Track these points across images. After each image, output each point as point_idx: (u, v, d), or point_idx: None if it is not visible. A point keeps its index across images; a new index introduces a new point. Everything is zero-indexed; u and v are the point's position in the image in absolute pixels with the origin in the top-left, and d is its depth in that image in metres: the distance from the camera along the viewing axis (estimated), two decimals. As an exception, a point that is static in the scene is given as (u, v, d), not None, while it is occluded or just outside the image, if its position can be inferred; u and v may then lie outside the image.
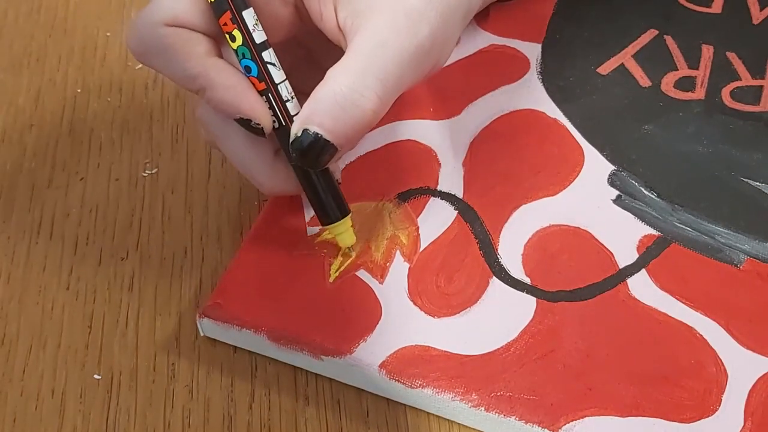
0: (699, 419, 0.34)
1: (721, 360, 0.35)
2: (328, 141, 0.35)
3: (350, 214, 0.38)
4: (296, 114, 0.36)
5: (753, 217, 0.39)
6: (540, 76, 0.45)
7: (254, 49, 0.36)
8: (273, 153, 0.39)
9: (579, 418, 0.34)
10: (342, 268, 0.39)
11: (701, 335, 0.36)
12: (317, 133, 0.35)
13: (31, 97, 0.49)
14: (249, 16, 0.36)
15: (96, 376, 0.39)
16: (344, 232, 0.38)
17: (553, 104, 0.44)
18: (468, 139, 0.42)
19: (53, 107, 0.48)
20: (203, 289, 0.41)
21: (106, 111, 0.48)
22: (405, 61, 0.35)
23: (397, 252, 0.39)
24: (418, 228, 0.40)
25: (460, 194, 0.41)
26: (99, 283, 0.41)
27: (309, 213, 0.41)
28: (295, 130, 0.35)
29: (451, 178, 0.41)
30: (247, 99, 0.36)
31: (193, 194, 0.44)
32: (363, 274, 0.39)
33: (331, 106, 0.35)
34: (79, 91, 0.49)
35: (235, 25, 0.36)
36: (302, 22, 0.38)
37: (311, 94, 0.36)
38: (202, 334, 0.39)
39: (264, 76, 0.36)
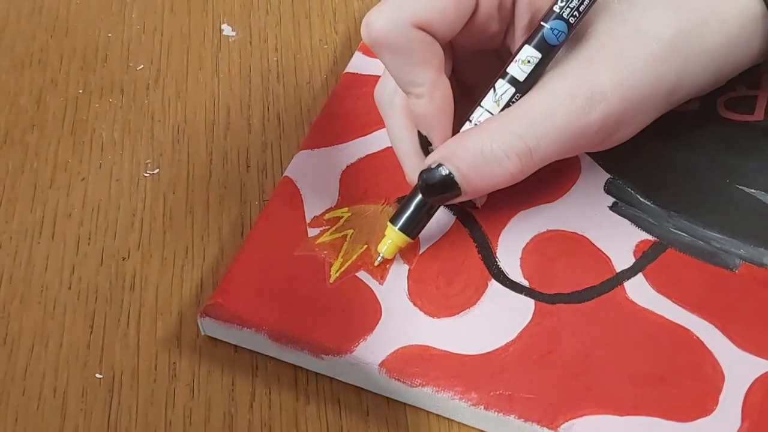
0: (696, 419, 0.34)
1: (717, 361, 0.35)
2: (457, 184, 0.35)
3: (412, 241, 0.39)
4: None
5: (748, 223, 0.39)
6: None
7: None
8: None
9: (577, 417, 0.34)
10: (342, 269, 0.39)
11: (698, 337, 0.36)
12: (450, 173, 0.35)
13: (33, 98, 0.49)
14: None
15: (97, 376, 0.39)
16: (394, 246, 0.38)
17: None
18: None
19: (55, 107, 0.49)
20: (204, 288, 0.41)
21: (107, 111, 0.48)
22: (563, 138, 0.35)
23: (397, 254, 0.39)
24: (417, 231, 0.40)
25: (458, 199, 0.41)
26: (100, 283, 0.42)
27: (310, 214, 0.41)
28: (431, 161, 0.36)
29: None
30: (443, 127, 0.37)
31: (194, 194, 0.44)
32: (363, 275, 0.39)
33: (474, 155, 0.35)
34: (80, 91, 0.49)
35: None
36: (506, 39, 0.38)
37: (459, 134, 0.36)
38: (203, 334, 0.39)
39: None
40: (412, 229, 0.38)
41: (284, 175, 0.42)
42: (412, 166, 0.39)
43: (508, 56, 0.37)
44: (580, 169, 0.42)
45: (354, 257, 0.39)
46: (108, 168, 0.46)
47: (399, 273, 0.39)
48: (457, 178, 0.35)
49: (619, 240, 0.39)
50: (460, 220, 0.40)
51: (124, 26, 0.52)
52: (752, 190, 0.41)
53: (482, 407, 0.35)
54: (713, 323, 0.37)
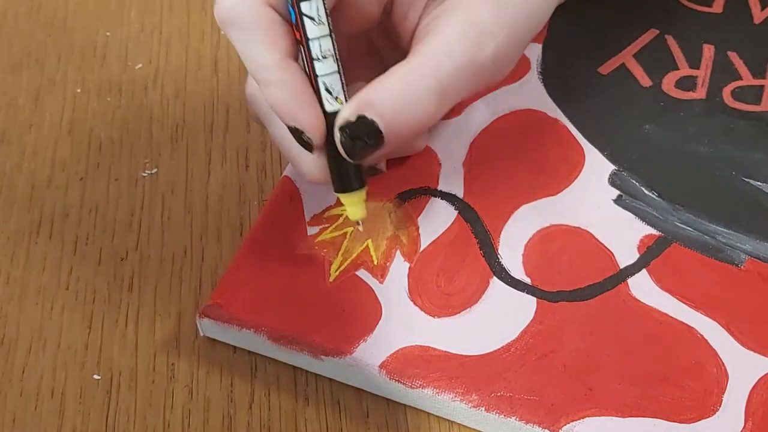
0: (699, 419, 0.34)
1: (721, 360, 0.35)
2: (381, 132, 0.34)
3: (365, 188, 0.37)
4: (321, 76, 0.35)
5: (754, 217, 0.39)
6: (540, 76, 0.45)
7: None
8: None
9: (579, 419, 0.34)
10: (342, 268, 0.39)
11: (702, 335, 0.36)
12: (374, 121, 0.34)
13: (31, 97, 0.49)
14: None
15: (95, 377, 0.38)
16: (356, 204, 0.37)
17: (553, 104, 0.43)
18: (468, 139, 0.42)
19: (53, 107, 0.48)
20: (203, 289, 0.41)
21: (105, 111, 0.48)
22: (466, 73, 0.36)
23: (398, 252, 0.39)
24: (418, 228, 0.40)
25: (460, 194, 0.41)
26: (99, 284, 0.41)
27: (309, 212, 0.41)
28: (349, 114, 0.34)
29: (451, 178, 0.41)
30: (306, 111, 0.35)
31: (192, 194, 0.44)
32: (363, 274, 0.39)
33: (394, 97, 0.34)
34: (78, 91, 0.49)
35: None
36: (381, 20, 0.38)
37: (371, 83, 0.35)
38: (202, 334, 0.39)
39: (299, 26, 0.35)
40: (357, 179, 0.37)
41: (284, 174, 0.42)
42: (308, 163, 0.37)
43: (381, 39, 0.38)
44: (584, 161, 0.41)
45: (354, 255, 0.39)
46: (106, 168, 0.45)
47: (399, 271, 0.38)
48: (380, 125, 0.34)
49: (623, 235, 0.39)
50: (462, 215, 0.40)
51: (123, 25, 0.52)
52: (758, 183, 0.40)
53: (483, 409, 0.34)
54: (718, 321, 0.36)
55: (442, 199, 0.41)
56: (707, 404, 0.34)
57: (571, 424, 0.34)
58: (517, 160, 0.41)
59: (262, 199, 0.43)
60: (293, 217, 0.41)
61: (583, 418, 0.34)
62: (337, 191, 0.37)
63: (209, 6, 0.53)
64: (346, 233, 0.40)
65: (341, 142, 0.35)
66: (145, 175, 0.45)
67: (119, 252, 0.42)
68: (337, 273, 0.39)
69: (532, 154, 0.42)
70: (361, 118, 0.34)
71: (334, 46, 0.35)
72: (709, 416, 0.34)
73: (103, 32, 0.52)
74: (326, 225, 0.40)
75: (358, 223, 0.38)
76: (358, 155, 0.35)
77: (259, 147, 0.45)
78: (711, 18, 0.47)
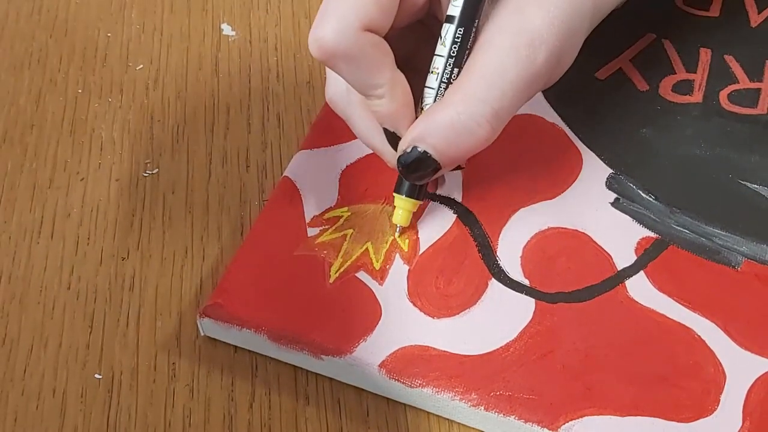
0: (697, 419, 0.34)
1: (719, 360, 0.35)
2: (434, 160, 0.36)
3: (420, 201, 0.39)
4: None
5: (751, 219, 0.39)
6: (539, 80, 0.45)
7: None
8: None
9: (578, 418, 0.34)
10: (342, 270, 0.39)
11: (699, 336, 0.36)
12: (426, 152, 0.36)
13: (32, 98, 0.49)
14: None
15: (97, 376, 0.39)
16: (404, 209, 0.39)
17: (551, 109, 0.44)
18: (467, 142, 0.43)
19: (54, 107, 0.48)
20: (204, 288, 0.41)
21: (106, 111, 0.48)
22: (521, 88, 0.36)
23: (397, 254, 0.39)
24: (417, 231, 0.40)
25: (459, 198, 0.41)
26: (100, 283, 0.41)
27: (309, 214, 0.41)
28: (405, 145, 0.36)
29: (450, 182, 0.41)
30: (409, 120, 0.37)
31: (193, 194, 0.44)
32: (363, 276, 0.39)
33: (445, 130, 0.36)
34: (80, 91, 0.49)
35: None
36: (431, 8, 0.39)
37: (426, 112, 0.37)
38: (202, 334, 0.39)
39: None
40: (417, 191, 0.39)
41: (284, 175, 0.42)
42: (391, 154, 0.38)
43: (435, 24, 0.37)
44: (581, 165, 0.42)
45: (354, 257, 0.39)
46: (107, 168, 0.46)
47: (399, 273, 0.39)
48: (434, 155, 0.36)
49: (620, 237, 0.39)
50: (461, 219, 0.40)
51: (124, 26, 0.52)
52: (755, 186, 0.40)
53: (482, 408, 0.35)
54: (715, 322, 0.36)
55: (440, 203, 0.41)
56: (705, 404, 0.34)
57: (569, 423, 0.34)
58: (516, 164, 0.42)
59: (262, 199, 0.44)
60: (293, 218, 0.41)
61: (581, 417, 0.34)
62: (395, 190, 0.39)
63: (210, 6, 0.53)
64: (345, 235, 0.40)
65: (399, 169, 0.37)
66: (146, 175, 0.45)
67: (120, 252, 0.42)
68: (337, 274, 0.39)
69: (530, 158, 0.42)
70: (414, 149, 0.36)
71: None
72: (707, 416, 0.34)
73: (104, 33, 0.52)
74: (326, 226, 0.40)
75: (397, 229, 0.40)
76: (416, 179, 0.38)
77: (260, 147, 0.46)
78: (708, 22, 0.47)
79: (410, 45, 0.39)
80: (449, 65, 0.36)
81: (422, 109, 0.37)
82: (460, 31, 0.36)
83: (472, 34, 0.36)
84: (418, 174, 0.37)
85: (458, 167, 0.40)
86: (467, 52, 0.36)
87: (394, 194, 0.39)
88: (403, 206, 0.39)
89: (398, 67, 0.37)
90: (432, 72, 0.37)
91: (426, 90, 0.37)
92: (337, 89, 0.39)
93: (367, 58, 0.35)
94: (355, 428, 0.36)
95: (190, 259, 0.42)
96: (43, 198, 0.45)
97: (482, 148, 0.37)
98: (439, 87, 0.37)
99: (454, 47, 0.36)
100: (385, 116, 0.37)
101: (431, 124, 0.36)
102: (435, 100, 0.37)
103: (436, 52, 0.37)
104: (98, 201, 0.44)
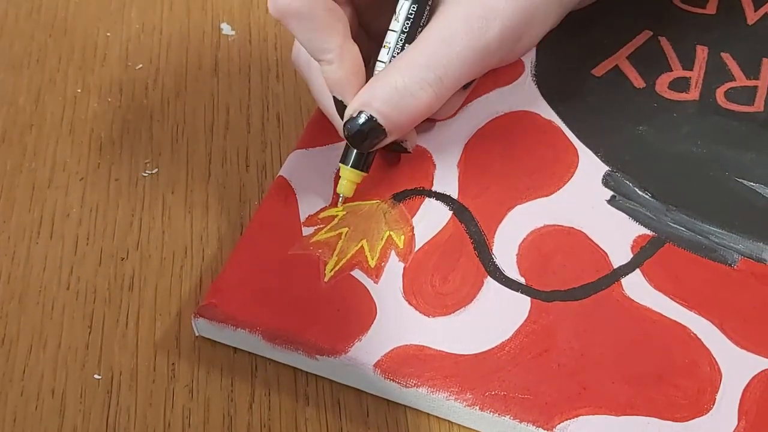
0: (693, 418, 0.34)
1: (715, 359, 0.35)
2: (381, 125, 0.37)
3: (364, 173, 0.40)
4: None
5: (747, 217, 0.39)
6: (534, 78, 0.45)
7: None
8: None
9: (573, 417, 0.34)
10: (337, 268, 0.39)
11: (695, 334, 0.36)
12: (372, 116, 0.37)
13: (31, 97, 0.49)
14: None
15: (96, 376, 0.39)
16: (349, 180, 0.40)
17: (547, 106, 0.44)
18: (463, 140, 0.43)
19: (53, 107, 0.49)
20: (203, 289, 0.41)
21: (106, 111, 0.48)
22: (468, 59, 0.37)
23: (392, 252, 0.39)
24: (413, 228, 0.40)
25: (455, 195, 0.41)
26: (99, 283, 0.42)
27: (304, 213, 0.41)
28: (351, 110, 0.38)
29: (445, 179, 0.41)
30: (356, 89, 0.38)
31: (193, 194, 0.44)
32: (358, 274, 0.39)
33: (389, 93, 0.37)
34: (79, 91, 0.49)
35: None
36: None
37: (371, 80, 0.38)
38: (197, 334, 0.39)
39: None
40: (363, 163, 0.40)
41: (278, 174, 0.42)
42: (340, 121, 0.40)
43: None
44: (577, 162, 0.42)
45: (349, 256, 0.39)
46: (107, 168, 0.46)
47: (394, 271, 0.39)
48: (379, 120, 0.37)
49: (616, 235, 0.39)
50: (457, 216, 0.40)
51: (123, 25, 0.52)
52: (751, 183, 0.40)
53: (477, 408, 0.35)
54: (711, 320, 0.36)
55: (436, 199, 0.41)
56: (701, 403, 0.34)
57: (565, 422, 0.34)
58: (512, 161, 0.42)
59: (262, 199, 0.44)
60: (288, 217, 0.41)
61: (577, 416, 0.34)
62: (340, 160, 0.40)
63: (209, 6, 0.53)
64: (341, 234, 0.40)
65: (345, 136, 0.38)
66: (146, 175, 0.45)
67: (120, 252, 0.43)
68: (332, 273, 0.39)
69: (527, 156, 0.42)
70: (359, 114, 0.37)
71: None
72: (703, 415, 0.34)
73: (104, 32, 0.52)
74: (321, 226, 0.40)
75: (341, 198, 0.40)
76: (359, 147, 0.38)
77: (259, 147, 0.46)
78: (704, 19, 0.47)
79: (382, 19, 0.40)
80: (401, 41, 0.38)
81: (382, 56, 0.38)
82: (413, 7, 0.37)
83: (426, 11, 0.37)
84: (366, 142, 0.38)
85: (404, 150, 0.41)
86: (420, 29, 0.37)
87: (340, 164, 0.40)
88: (348, 177, 0.40)
89: (370, 39, 0.38)
90: (384, 46, 0.38)
91: (377, 63, 0.39)
92: (300, 50, 0.40)
93: (318, 19, 0.36)
94: (355, 429, 0.37)
95: (189, 260, 0.42)
96: (43, 198, 0.45)
97: (426, 114, 0.38)
98: (390, 61, 0.38)
99: (407, 23, 0.37)
100: (333, 83, 0.38)
101: (376, 90, 0.37)
102: None
103: (390, 27, 0.38)
104: (97, 201, 0.44)
